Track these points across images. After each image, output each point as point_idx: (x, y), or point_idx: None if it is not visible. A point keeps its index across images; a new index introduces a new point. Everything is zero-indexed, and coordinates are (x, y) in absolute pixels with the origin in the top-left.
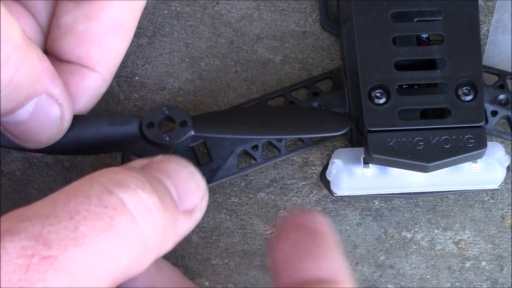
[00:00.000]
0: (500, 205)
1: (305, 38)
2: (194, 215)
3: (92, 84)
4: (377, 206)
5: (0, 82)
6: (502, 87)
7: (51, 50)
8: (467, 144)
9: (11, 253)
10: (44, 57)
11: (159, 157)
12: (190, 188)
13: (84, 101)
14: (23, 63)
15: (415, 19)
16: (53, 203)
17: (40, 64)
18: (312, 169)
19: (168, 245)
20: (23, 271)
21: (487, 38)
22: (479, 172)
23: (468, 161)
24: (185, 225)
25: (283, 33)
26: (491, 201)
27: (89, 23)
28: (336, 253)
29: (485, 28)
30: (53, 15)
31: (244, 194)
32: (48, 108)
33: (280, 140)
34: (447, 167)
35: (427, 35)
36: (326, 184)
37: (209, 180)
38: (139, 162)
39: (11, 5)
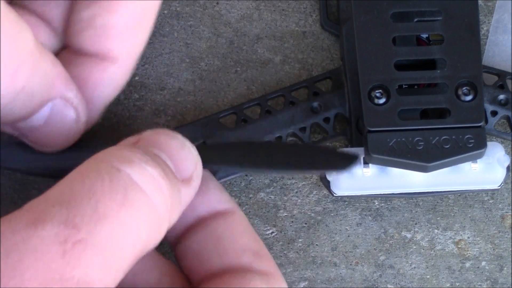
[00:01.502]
0: (500, 205)
1: (305, 38)
2: (193, 182)
3: (113, 77)
4: (377, 206)
5: (11, 91)
6: (502, 87)
7: (71, 44)
8: (467, 144)
9: (47, 242)
10: (57, 62)
11: (147, 132)
12: (183, 156)
13: (105, 94)
14: (36, 70)
15: (415, 19)
16: (70, 186)
17: (53, 69)
18: None
19: (175, 216)
20: (60, 256)
21: (487, 38)
22: (479, 172)
23: (468, 161)
24: (187, 194)
25: (283, 33)
26: (491, 201)
27: (109, 16)
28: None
29: (485, 28)
30: (67, 19)
31: (244, 194)
32: (64, 112)
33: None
34: (447, 167)
35: (427, 35)
36: (326, 184)
37: None
38: (130, 140)
39: (24, 15)
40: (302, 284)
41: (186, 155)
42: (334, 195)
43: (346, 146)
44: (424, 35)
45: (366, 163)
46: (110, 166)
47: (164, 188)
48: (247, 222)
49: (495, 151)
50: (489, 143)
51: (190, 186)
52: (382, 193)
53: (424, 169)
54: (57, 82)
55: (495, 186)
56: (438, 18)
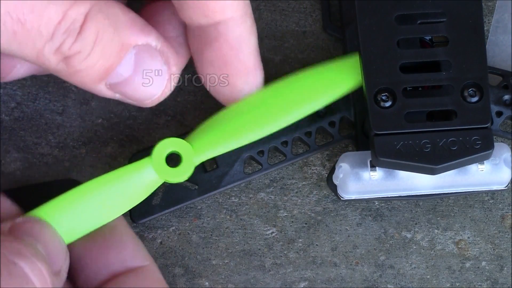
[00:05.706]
0: (500, 205)
1: (305, 38)
2: (61, 276)
3: None
4: (377, 206)
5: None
6: (507, 87)
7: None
8: (474, 145)
9: None
10: (128, 9)
11: (20, 219)
12: (55, 248)
13: None
14: (104, 18)
15: (419, 21)
16: None
17: (124, 16)
18: (312, 169)
19: None
20: None
21: (487, 38)
22: (486, 173)
23: (475, 162)
24: (56, 285)
25: (283, 33)
26: (491, 201)
27: None
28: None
29: (485, 28)
30: None
31: (244, 194)
32: (149, 58)
33: (286, 145)
34: (454, 169)
35: (430, 37)
36: (333, 188)
37: (215, 187)
38: (4, 226)
39: None
40: (302, 284)
41: (57, 247)
42: (342, 199)
43: (352, 150)
44: (428, 37)
45: (373, 166)
46: (7, 260)
47: (48, 280)
48: (159, 276)
49: (501, 152)
50: (495, 144)
51: (58, 278)
52: (389, 196)
53: (432, 172)
54: (131, 28)
55: (502, 187)
56: (442, 20)
